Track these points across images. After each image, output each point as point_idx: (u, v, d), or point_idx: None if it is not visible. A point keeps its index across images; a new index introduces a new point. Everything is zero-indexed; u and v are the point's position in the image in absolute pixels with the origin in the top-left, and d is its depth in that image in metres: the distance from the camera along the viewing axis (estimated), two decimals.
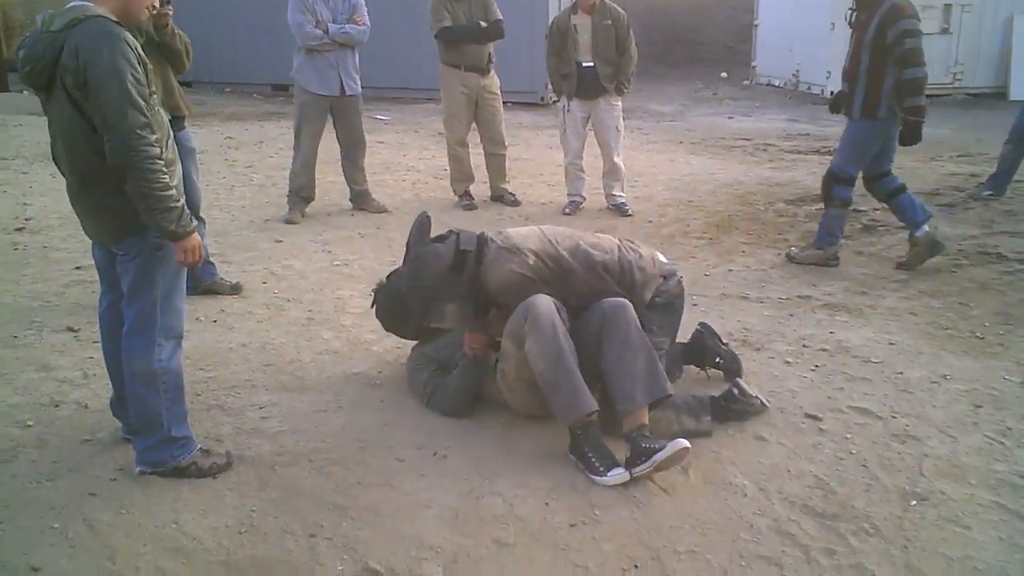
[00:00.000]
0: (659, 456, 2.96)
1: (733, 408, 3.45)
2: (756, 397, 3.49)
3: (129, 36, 2.76)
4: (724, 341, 3.93)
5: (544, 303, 3.22)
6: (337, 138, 6.82)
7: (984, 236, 6.02)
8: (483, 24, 6.80)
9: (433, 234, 3.55)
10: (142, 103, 2.73)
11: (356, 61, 6.66)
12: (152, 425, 3.06)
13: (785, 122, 11.65)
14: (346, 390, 3.81)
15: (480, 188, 7.35)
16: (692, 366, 3.92)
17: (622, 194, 6.96)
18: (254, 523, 2.85)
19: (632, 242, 3.69)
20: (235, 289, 5.08)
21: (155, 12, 3.91)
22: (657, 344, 3.39)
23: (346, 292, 5.08)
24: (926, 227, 5.37)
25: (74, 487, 3.06)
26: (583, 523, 2.82)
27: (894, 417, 3.48)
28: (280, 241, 6.18)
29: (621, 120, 6.85)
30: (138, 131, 2.71)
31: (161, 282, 2.98)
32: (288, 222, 6.65)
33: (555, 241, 3.44)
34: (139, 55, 2.78)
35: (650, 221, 6.67)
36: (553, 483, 3.04)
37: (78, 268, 5.58)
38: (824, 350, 4.15)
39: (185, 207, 2.91)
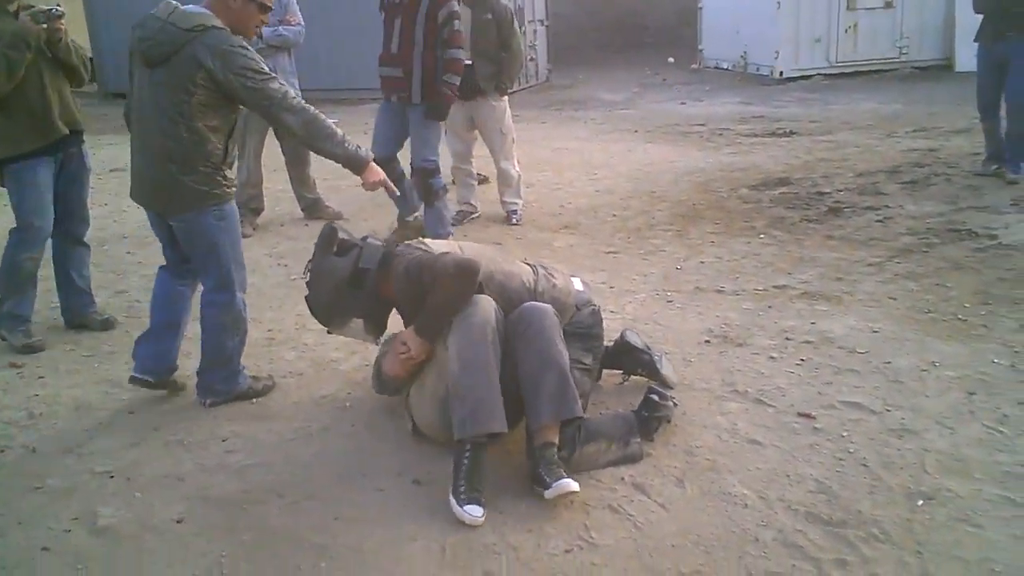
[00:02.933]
0: (545, 493, 2.82)
1: (657, 416, 3.23)
2: (672, 399, 3.31)
3: (244, 42, 3.35)
4: (646, 348, 3.68)
5: (485, 305, 3.03)
6: (281, 148, 6.53)
7: (951, 212, 5.97)
8: None
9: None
10: (274, 82, 3.34)
11: (292, 64, 6.42)
12: (223, 362, 3.66)
13: (738, 105, 11.59)
14: (315, 415, 3.59)
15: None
16: (615, 370, 3.72)
17: (514, 200, 6.52)
18: (224, 571, 2.63)
19: (548, 269, 3.47)
20: (106, 325, 4.70)
21: (46, 27, 4.16)
22: (577, 360, 3.20)
23: (306, 308, 4.84)
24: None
25: (25, 542, 2.82)
26: (579, 547, 2.65)
27: (888, 410, 3.36)
28: None
29: (507, 121, 6.41)
30: (287, 96, 3.34)
31: (230, 246, 3.53)
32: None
33: None
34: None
35: (614, 215, 6.51)
36: (544, 506, 2.85)
37: None
38: (808, 342, 4.02)
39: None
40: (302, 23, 6.36)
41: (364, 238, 3.38)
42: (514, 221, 6.43)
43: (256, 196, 6.55)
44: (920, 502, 2.77)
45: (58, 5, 4.23)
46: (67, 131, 4.40)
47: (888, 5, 13.48)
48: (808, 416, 3.34)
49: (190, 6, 3.35)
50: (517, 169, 6.53)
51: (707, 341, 4.11)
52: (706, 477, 2.98)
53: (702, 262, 5.31)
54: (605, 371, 3.70)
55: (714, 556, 2.58)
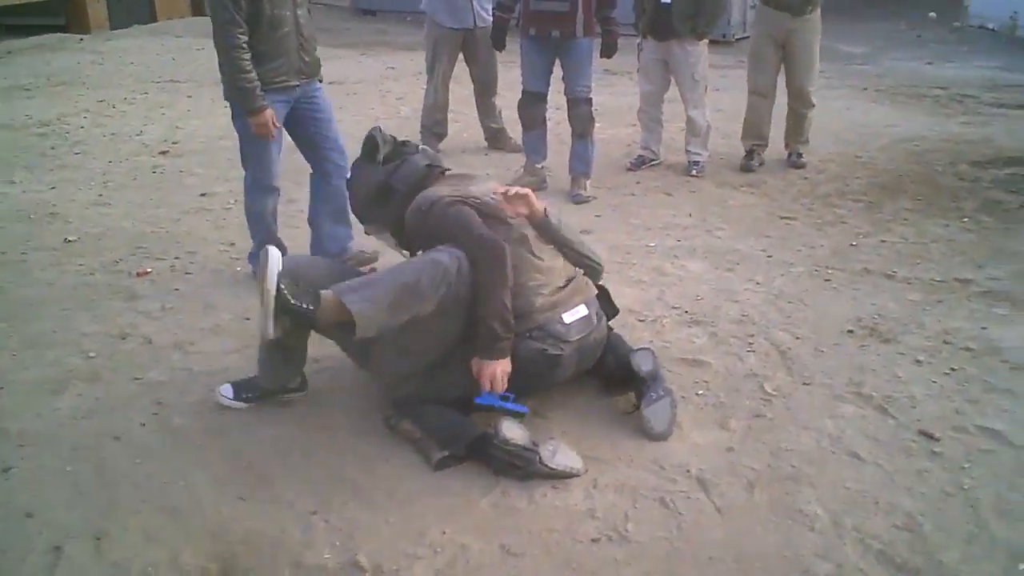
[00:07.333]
0: None
1: (492, 455, 2.70)
2: (524, 450, 2.67)
3: None
4: (650, 375, 3.03)
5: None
6: (470, 74, 6.49)
7: None
8: None
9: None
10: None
11: None
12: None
13: (993, 70, 10.23)
14: None
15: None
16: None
17: (698, 152, 6.09)
18: (257, 493, 2.65)
19: (584, 282, 3.11)
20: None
21: None
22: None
23: None
24: None
25: (103, 428, 3.00)
26: (608, 538, 2.43)
27: None
28: None
29: (701, 68, 5.94)
30: (226, 24, 3.63)
31: (246, 143, 3.91)
32: None
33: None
34: None
35: (805, 177, 5.96)
36: (592, 486, 2.66)
37: (203, 195, 5.61)
38: (968, 349, 3.48)
39: (257, 88, 3.68)
40: None
41: (417, 150, 3.21)
42: (694, 172, 6.05)
43: (441, 121, 6.56)
44: (1021, 566, 2.32)
45: None
46: None
47: None
48: (930, 436, 2.90)
49: None
50: (707, 119, 6.11)
51: (850, 331, 3.66)
52: (781, 486, 2.65)
53: (883, 240, 4.74)
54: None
55: None
